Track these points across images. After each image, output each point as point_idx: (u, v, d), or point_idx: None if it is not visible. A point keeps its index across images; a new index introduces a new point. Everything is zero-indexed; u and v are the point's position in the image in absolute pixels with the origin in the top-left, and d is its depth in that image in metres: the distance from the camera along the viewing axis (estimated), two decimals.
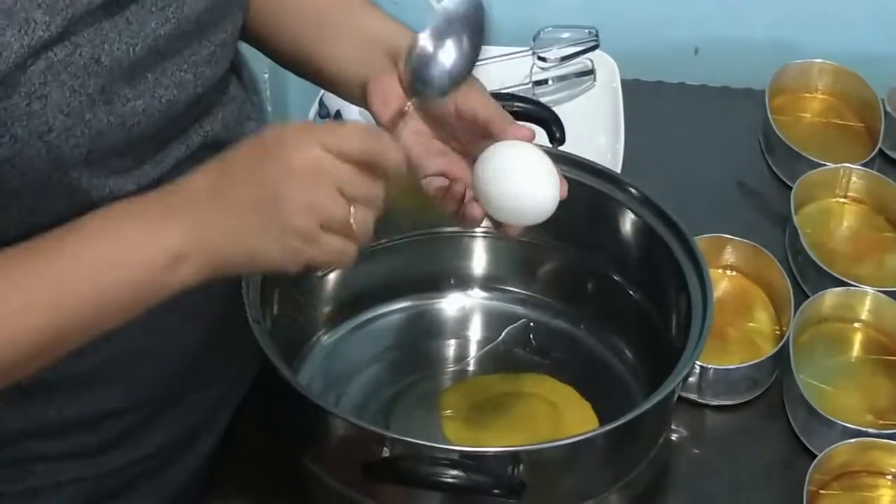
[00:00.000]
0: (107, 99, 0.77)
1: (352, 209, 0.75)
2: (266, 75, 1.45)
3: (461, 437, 0.96)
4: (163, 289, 0.76)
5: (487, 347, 1.06)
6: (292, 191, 0.74)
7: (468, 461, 0.81)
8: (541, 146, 0.86)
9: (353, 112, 1.19)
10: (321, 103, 1.25)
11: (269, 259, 0.76)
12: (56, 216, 0.77)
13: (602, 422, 0.96)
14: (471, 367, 1.05)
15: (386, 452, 0.81)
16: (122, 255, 0.75)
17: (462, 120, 0.86)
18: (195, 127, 0.88)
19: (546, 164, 0.84)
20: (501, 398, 1.00)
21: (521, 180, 0.83)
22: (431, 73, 0.81)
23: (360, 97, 0.88)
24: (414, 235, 1.06)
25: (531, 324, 1.07)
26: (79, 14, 0.74)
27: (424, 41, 0.82)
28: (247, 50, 0.97)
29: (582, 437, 0.85)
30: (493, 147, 0.84)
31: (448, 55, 0.81)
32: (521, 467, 0.82)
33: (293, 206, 0.74)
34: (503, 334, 1.06)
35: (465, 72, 0.81)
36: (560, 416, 0.98)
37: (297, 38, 0.95)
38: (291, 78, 1.47)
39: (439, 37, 0.82)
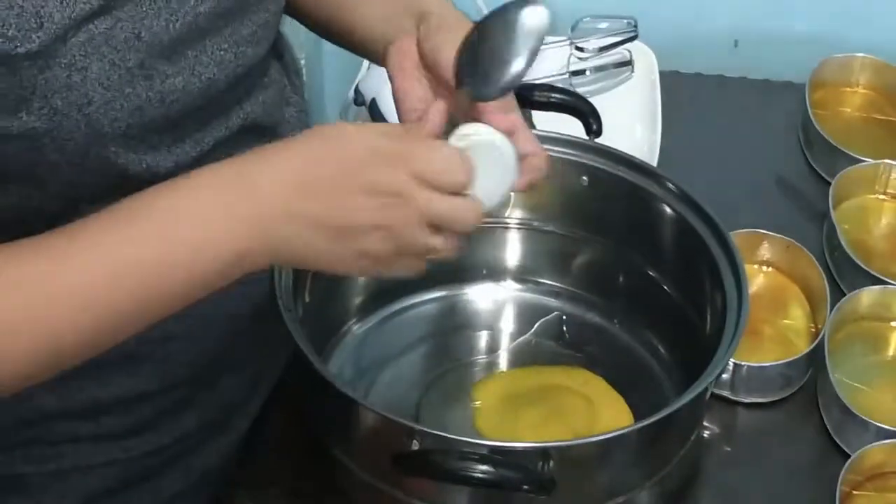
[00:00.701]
0: (146, 74, 0.77)
1: (440, 238, 0.75)
2: (302, 61, 1.45)
3: (493, 430, 0.95)
4: (223, 282, 0.75)
5: (519, 340, 1.05)
6: (374, 217, 0.74)
7: (498, 456, 0.81)
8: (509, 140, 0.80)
9: (388, 100, 1.18)
10: (357, 90, 1.25)
11: (335, 269, 0.77)
12: (93, 190, 0.78)
13: (635, 418, 0.96)
14: (502, 360, 1.04)
15: (416, 445, 0.81)
16: (183, 256, 0.74)
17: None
18: (235, 108, 0.88)
19: (503, 161, 0.79)
20: (535, 391, 0.99)
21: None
22: (482, 76, 0.78)
23: (386, 58, 0.87)
24: None
25: (564, 317, 1.06)
26: None
27: (480, 38, 0.79)
28: (286, 33, 0.97)
29: (613, 435, 0.85)
30: (464, 127, 0.79)
31: (502, 59, 0.78)
32: (552, 463, 0.81)
33: (373, 234, 0.74)
34: (535, 327, 1.05)
35: (516, 80, 0.78)
36: (594, 410, 0.98)
37: (334, 4, 0.94)
38: (327, 64, 1.48)
39: (495, 37, 0.79)
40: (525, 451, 0.83)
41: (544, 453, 0.82)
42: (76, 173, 0.77)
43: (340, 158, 0.74)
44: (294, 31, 1.02)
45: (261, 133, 0.91)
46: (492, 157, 0.78)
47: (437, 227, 0.75)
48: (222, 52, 0.83)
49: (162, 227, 0.74)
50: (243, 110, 0.88)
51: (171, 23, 0.78)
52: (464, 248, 0.78)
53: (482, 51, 0.79)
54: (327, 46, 1.45)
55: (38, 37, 0.71)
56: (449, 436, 0.82)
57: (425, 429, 0.82)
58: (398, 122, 1.14)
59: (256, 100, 0.90)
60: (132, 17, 0.75)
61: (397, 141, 0.76)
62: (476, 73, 0.79)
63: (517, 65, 0.77)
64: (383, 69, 1.21)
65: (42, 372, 0.74)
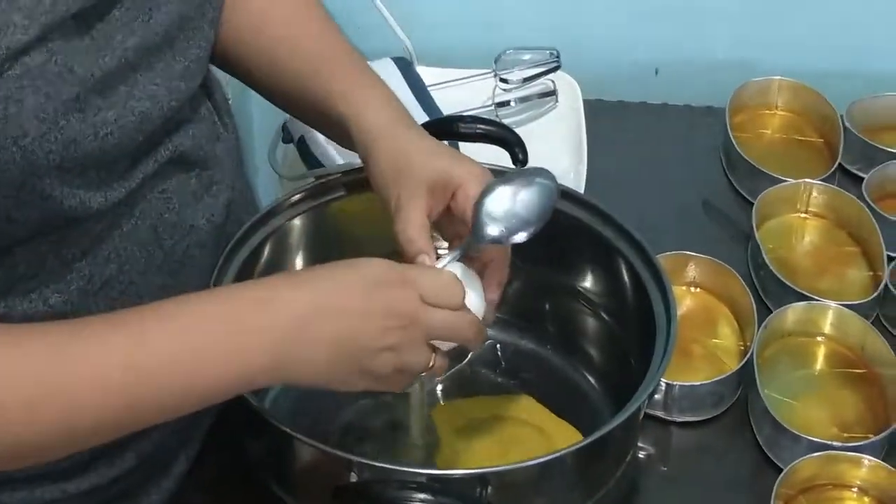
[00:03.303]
0: (80, 107, 0.77)
1: (434, 357, 0.83)
2: (230, 100, 1.45)
3: (452, 463, 0.96)
4: (223, 396, 0.80)
5: (455, 369, 1.06)
6: (388, 338, 0.80)
7: (437, 484, 0.81)
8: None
9: (317, 138, 1.19)
10: (285, 128, 1.25)
11: (336, 388, 0.82)
12: (30, 225, 0.79)
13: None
14: (439, 390, 1.05)
15: (354, 477, 0.82)
16: (198, 369, 0.77)
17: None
18: (165, 142, 0.89)
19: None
20: (485, 422, 1.00)
21: None
22: (497, 230, 0.87)
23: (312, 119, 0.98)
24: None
25: (498, 345, 1.07)
26: (55, 21, 0.75)
27: (499, 196, 0.88)
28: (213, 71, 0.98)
29: (549, 458, 0.86)
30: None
31: (517, 218, 0.88)
32: (490, 489, 0.82)
33: (383, 354, 0.80)
34: (470, 356, 1.06)
35: (527, 236, 0.88)
36: (548, 437, 0.99)
37: (269, 62, 0.98)
38: (255, 102, 1.48)
39: (513, 196, 0.88)
40: (463, 478, 0.84)
41: (482, 479, 0.82)
42: (11, 206, 0.78)
43: (361, 279, 0.81)
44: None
45: (189, 167, 0.91)
46: (467, 278, 0.87)
47: (433, 347, 0.83)
48: (155, 87, 0.84)
49: (196, 331, 0.78)
50: (172, 143, 0.89)
51: (101, 57, 0.79)
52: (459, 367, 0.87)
53: (499, 208, 0.88)
54: None
55: None
56: (387, 465, 0.83)
57: (363, 460, 0.82)
58: (328, 161, 1.17)
59: (186, 133, 0.91)
60: (65, 50, 0.76)
61: (405, 267, 0.84)
62: (484, 229, 0.87)
63: (531, 230, 0.88)
64: None
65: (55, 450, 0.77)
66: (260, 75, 1.00)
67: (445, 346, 0.84)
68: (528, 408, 1.02)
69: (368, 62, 1.01)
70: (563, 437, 0.98)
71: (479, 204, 0.88)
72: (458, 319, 0.84)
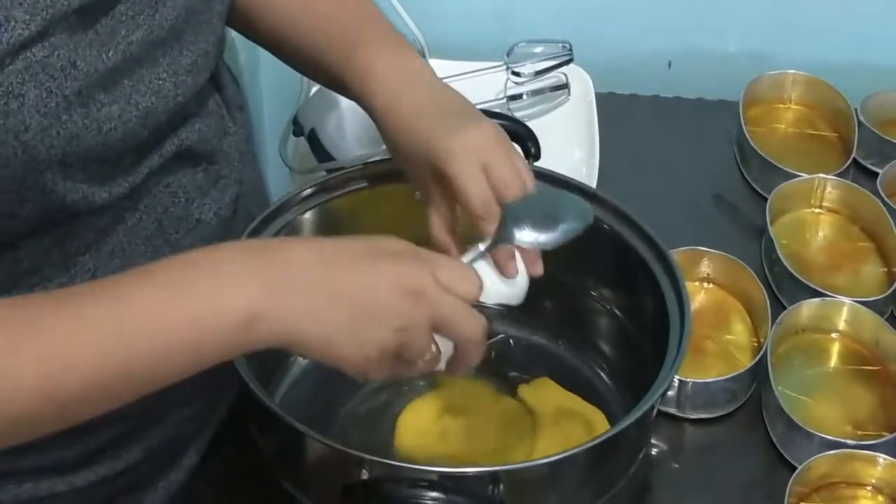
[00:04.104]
0: (83, 102, 0.77)
1: (433, 346, 0.78)
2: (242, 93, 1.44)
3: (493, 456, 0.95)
4: (229, 347, 0.74)
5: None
6: (394, 305, 0.75)
7: (448, 482, 0.81)
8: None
9: (328, 130, 1.19)
10: (295, 121, 1.24)
11: (340, 355, 0.75)
12: (30, 220, 0.78)
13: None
14: (450, 384, 1.04)
15: (365, 475, 0.81)
16: (190, 312, 0.72)
17: None
18: (171, 136, 0.88)
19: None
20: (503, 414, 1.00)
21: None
22: (522, 234, 0.85)
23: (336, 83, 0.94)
24: None
25: (510, 340, 1.07)
26: (58, 16, 0.74)
27: (532, 199, 0.86)
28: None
29: (561, 456, 0.85)
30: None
31: (542, 229, 0.85)
32: (501, 487, 0.82)
33: (387, 322, 0.75)
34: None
35: (550, 246, 0.85)
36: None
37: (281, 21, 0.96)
38: (265, 95, 1.48)
39: (539, 212, 0.86)
40: (475, 477, 0.83)
41: (494, 477, 0.82)
42: (12, 202, 0.77)
43: (374, 246, 0.77)
44: (230, 61, 1.03)
45: (195, 161, 0.91)
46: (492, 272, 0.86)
47: (442, 332, 0.78)
48: (160, 82, 0.83)
49: (177, 281, 0.73)
50: (178, 138, 0.89)
51: (104, 52, 0.78)
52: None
53: (529, 215, 0.85)
54: (265, 77, 1.45)
55: None
56: (398, 464, 0.83)
57: (375, 458, 0.82)
58: (339, 155, 1.16)
59: (192, 128, 0.90)
60: (67, 45, 0.76)
61: (420, 249, 0.79)
62: (510, 232, 0.85)
63: (548, 245, 0.86)
64: (322, 100, 1.22)
65: (45, 423, 0.72)
66: (277, 39, 0.98)
67: (445, 347, 0.80)
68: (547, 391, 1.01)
69: None
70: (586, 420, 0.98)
71: (509, 207, 0.86)
72: (469, 312, 0.79)
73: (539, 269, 0.88)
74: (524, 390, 1.01)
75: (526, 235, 0.85)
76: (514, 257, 0.86)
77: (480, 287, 0.80)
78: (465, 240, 0.90)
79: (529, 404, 1.00)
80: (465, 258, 0.86)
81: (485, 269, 0.85)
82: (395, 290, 0.75)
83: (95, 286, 0.74)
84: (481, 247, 0.86)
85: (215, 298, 0.72)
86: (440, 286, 0.77)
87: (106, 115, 0.79)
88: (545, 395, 1.01)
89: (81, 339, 0.71)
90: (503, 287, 0.85)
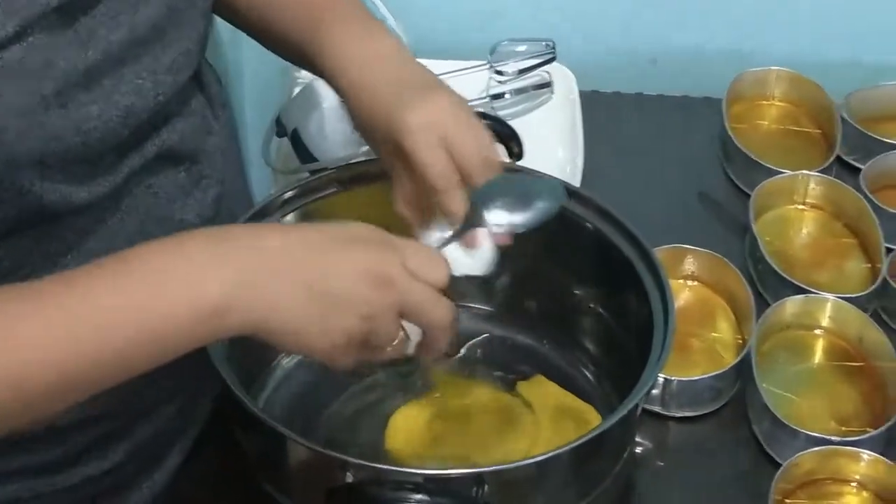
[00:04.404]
0: (62, 102, 0.76)
1: (401, 333, 0.78)
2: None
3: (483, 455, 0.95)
4: (199, 335, 0.74)
5: (449, 363, 1.05)
6: (361, 291, 0.75)
7: (432, 484, 0.81)
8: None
9: (311, 130, 1.18)
10: (278, 122, 1.24)
11: (307, 343, 0.76)
12: (8, 220, 0.77)
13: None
14: (433, 384, 1.04)
15: (349, 478, 0.81)
16: (160, 303, 0.72)
17: None
18: (152, 136, 0.87)
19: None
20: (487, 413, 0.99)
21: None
22: (493, 217, 0.85)
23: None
24: None
25: (493, 339, 1.06)
26: (36, 16, 0.74)
27: (498, 193, 0.86)
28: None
29: (546, 456, 0.85)
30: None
31: (510, 216, 0.86)
32: (486, 488, 0.81)
33: (355, 308, 0.75)
34: (464, 350, 1.05)
35: (523, 227, 0.86)
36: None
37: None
38: (248, 95, 1.47)
39: (510, 193, 0.86)
40: (459, 478, 0.83)
41: (478, 479, 0.82)
42: None
43: (344, 233, 0.78)
44: (214, 61, 1.02)
45: (177, 161, 0.90)
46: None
47: (411, 318, 0.78)
48: (141, 81, 0.83)
49: (145, 271, 0.73)
50: (160, 138, 0.88)
51: (84, 51, 0.78)
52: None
53: (500, 196, 0.86)
54: (248, 77, 1.45)
55: None
56: (382, 466, 0.82)
57: (358, 461, 0.82)
58: (322, 155, 1.16)
59: (174, 128, 0.89)
60: (46, 45, 0.75)
61: (390, 236, 0.79)
62: (479, 217, 0.85)
63: (522, 226, 0.86)
64: (305, 100, 1.21)
65: (10, 416, 0.72)
66: (254, 19, 0.98)
67: (413, 332, 0.80)
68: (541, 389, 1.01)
69: None
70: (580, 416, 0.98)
71: (479, 192, 0.85)
72: (437, 299, 0.79)
73: (506, 239, 0.88)
74: (523, 387, 1.01)
75: (498, 217, 0.85)
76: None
77: (449, 273, 0.80)
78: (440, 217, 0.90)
79: (527, 401, 1.00)
80: (433, 239, 0.85)
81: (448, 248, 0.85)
82: (363, 277, 0.75)
83: (66, 277, 0.74)
84: (450, 232, 0.86)
85: (184, 289, 0.72)
86: (409, 273, 0.77)
87: (86, 114, 0.78)
88: (543, 392, 1.01)
89: (53, 330, 0.71)
90: (466, 258, 0.85)
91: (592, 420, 0.97)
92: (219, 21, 1.02)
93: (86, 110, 0.78)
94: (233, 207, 0.99)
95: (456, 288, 0.82)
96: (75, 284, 0.73)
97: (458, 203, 0.86)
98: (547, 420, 0.98)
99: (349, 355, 0.77)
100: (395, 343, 0.79)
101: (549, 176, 0.98)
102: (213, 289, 0.72)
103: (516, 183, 0.88)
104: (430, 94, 0.88)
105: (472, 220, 0.85)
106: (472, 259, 0.86)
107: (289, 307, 0.74)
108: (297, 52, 0.96)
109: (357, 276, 0.76)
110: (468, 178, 0.86)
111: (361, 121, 0.91)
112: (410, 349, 0.81)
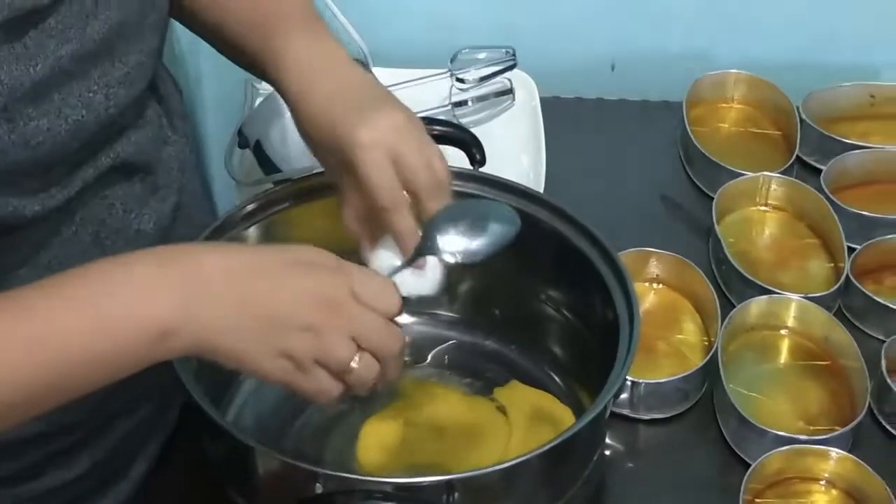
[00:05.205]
0: (8, 117, 0.76)
1: (357, 357, 0.76)
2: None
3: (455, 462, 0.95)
4: (143, 358, 0.74)
5: (415, 370, 1.05)
6: (305, 314, 0.75)
7: (403, 493, 0.81)
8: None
9: (273, 142, 1.18)
10: (240, 133, 1.23)
11: (256, 366, 0.76)
12: None
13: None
14: (401, 392, 1.04)
15: (319, 489, 0.80)
16: (105, 325, 0.72)
17: None
18: (105, 149, 0.87)
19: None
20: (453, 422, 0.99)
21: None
22: (445, 248, 0.83)
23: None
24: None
25: (460, 345, 1.06)
26: None
27: (451, 220, 0.84)
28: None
29: (516, 462, 0.85)
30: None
31: (466, 242, 0.84)
32: (457, 495, 0.81)
33: (300, 333, 0.75)
34: (430, 357, 1.05)
35: (478, 256, 0.84)
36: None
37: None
38: (210, 107, 1.47)
39: (464, 220, 0.84)
40: (429, 486, 0.83)
41: (448, 486, 0.81)
42: None
43: (290, 256, 0.77)
44: (175, 73, 1.02)
45: (132, 172, 0.90)
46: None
47: (365, 346, 0.76)
48: (91, 94, 0.82)
49: (91, 293, 0.73)
50: (113, 150, 0.87)
51: (31, 65, 0.77)
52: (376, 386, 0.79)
53: (441, 231, 0.84)
54: (209, 89, 1.44)
55: None
56: (352, 476, 0.82)
57: (328, 471, 0.81)
58: (285, 166, 1.15)
59: (128, 139, 0.89)
60: None
61: (342, 262, 0.78)
62: (432, 246, 0.84)
63: (478, 254, 0.84)
64: (267, 111, 1.21)
65: None
66: (210, 25, 0.97)
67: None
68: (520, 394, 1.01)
69: None
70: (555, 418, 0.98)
71: (433, 219, 0.84)
72: (387, 328, 0.78)
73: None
74: (499, 392, 1.01)
75: (451, 245, 0.83)
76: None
77: (400, 302, 0.79)
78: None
79: (503, 406, 1.00)
80: (384, 259, 0.85)
81: (393, 259, 0.85)
82: (307, 300, 0.75)
83: (13, 296, 0.73)
84: (400, 262, 0.85)
85: (128, 313, 0.72)
86: (357, 300, 0.76)
87: (34, 129, 0.78)
88: (520, 396, 1.01)
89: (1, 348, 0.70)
90: (415, 278, 0.83)
91: (570, 423, 0.97)
92: (180, 30, 1.02)
93: (34, 124, 0.78)
94: (191, 215, 0.98)
95: (408, 306, 0.81)
96: (22, 304, 0.72)
97: (405, 222, 0.85)
98: (522, 425, 0.98)
99: (309, 381, 0.76)
100: (356, 366, 0.77)
101: (503, 202, 0.97)
102: (157, 313, 0.72)
103: (469, 211, 0.86)
104: (381, 110, 0.87)
105: (423, 248, 0.84)
106: (422, 279, 0.85)
107: (232, 329, 0.74)
108: (248, 61, 0.95)
109: (301, 298, 0.75)
110: (416, 197, 0.85)
111: (308, 132, 0.90)
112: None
